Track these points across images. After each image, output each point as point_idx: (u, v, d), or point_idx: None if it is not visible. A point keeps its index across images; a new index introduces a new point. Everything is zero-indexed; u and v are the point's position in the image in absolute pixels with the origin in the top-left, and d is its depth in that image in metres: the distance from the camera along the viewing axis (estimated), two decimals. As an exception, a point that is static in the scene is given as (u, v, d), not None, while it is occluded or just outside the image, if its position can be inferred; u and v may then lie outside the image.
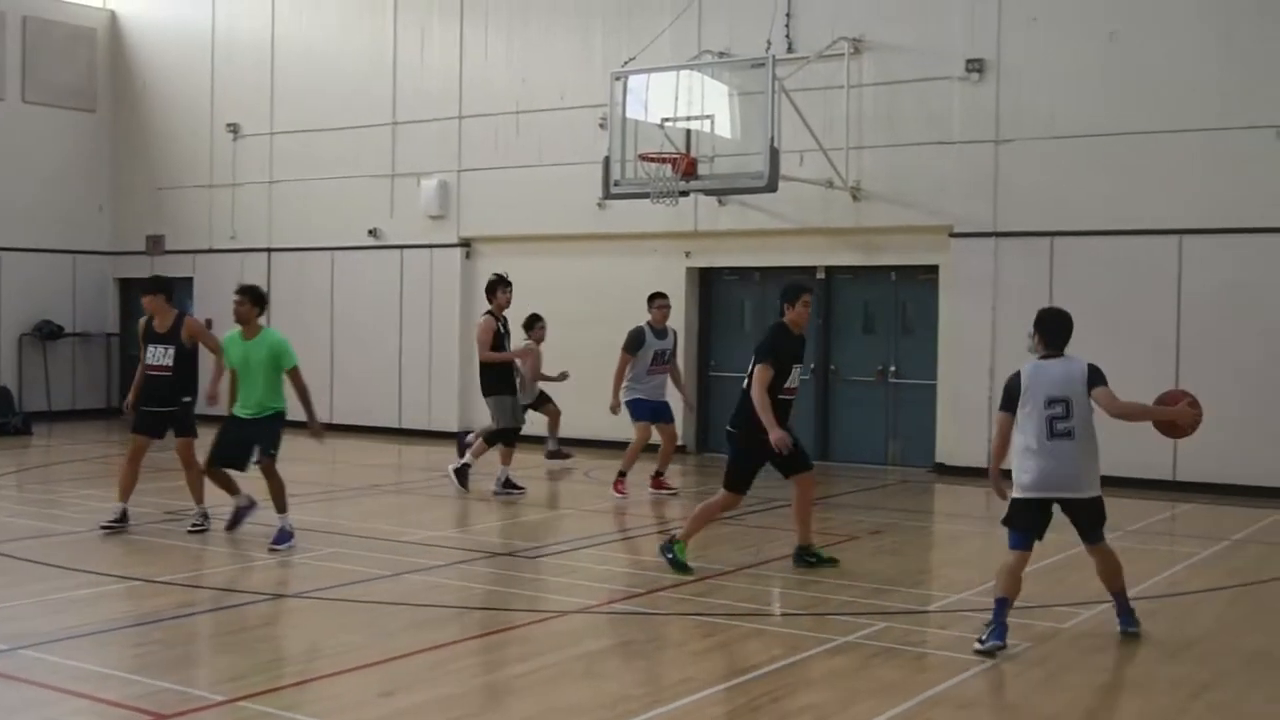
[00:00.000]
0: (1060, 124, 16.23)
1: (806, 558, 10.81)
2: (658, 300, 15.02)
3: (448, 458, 16.27)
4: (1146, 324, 15.71)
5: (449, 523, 13.80)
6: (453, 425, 20.39)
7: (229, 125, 23.26)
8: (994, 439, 8.65)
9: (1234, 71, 15.35)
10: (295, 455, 18.47)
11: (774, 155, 15.53)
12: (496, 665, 8.03)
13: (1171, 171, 15.63)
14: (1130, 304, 15.82)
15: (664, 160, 16.26)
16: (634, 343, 14.75)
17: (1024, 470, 8.31)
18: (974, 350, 16.66)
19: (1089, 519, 8.48)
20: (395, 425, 21.16)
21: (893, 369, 17.75)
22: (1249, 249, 15.28)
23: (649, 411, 14.79)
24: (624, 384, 14.72)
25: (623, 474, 14.80)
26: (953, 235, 16.91)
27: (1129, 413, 8.53)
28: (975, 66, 16.62)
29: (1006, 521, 8.42)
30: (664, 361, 14.86)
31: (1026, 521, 8.33)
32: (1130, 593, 8.75)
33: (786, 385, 10.43)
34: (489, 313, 14.64)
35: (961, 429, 16.76)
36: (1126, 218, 15.86)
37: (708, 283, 19.19)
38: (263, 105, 22.89)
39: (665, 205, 16.57)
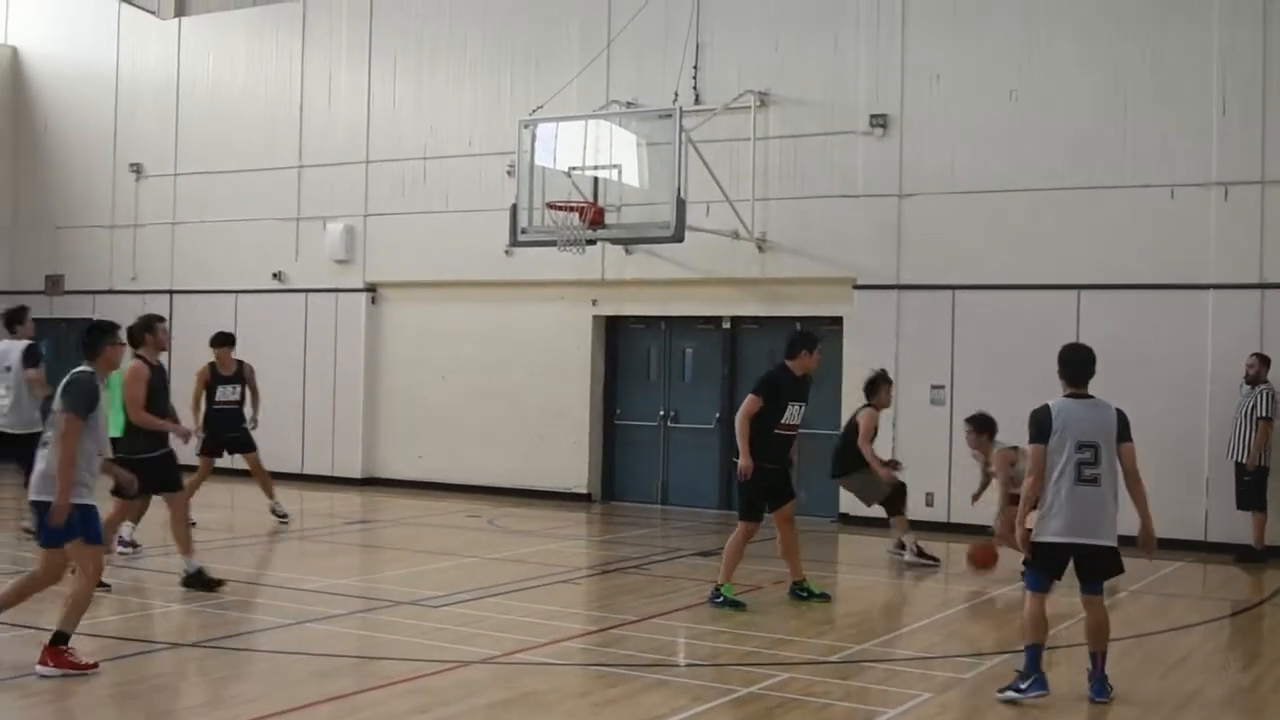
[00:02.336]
0: (962, 179, 16.53)
1: (799, 592, 11.53)
2: None
3: (349, 505, 16.11)
4: (1045, 376, 15.82)
5: (351, 571, 13.66)
6: (356, 471, 20.23)
7: (132, 165, 23.00)
8: (1030, 475, 8.37)
9: (1130, 131, 15.73)
10: (197, 501, 18.21)
11: (681, 205, 15.65)
12: (397, 716, 7.94)
13: (1070, 228, 15.96)
14: (1029, 357, 16.00)
15: (571, 209, 16.31)
16: None
17: (1053, 514, 8.22)
18: (877, 401, 16.80)
19: (1103, 568, 8.34)
20: (298, 471, 20.93)
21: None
22: (1146, 303, 15.61)
23: None
24: None
25: None
26: (856, 287, 17.12)
27: (1136, 482, 8.44)
28: (879, 122, 16.88)
29: (1029, 564, 8.44)
30: None
31: (1050, 566, 8.31)
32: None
33: (784, 421, 11.36)
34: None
35: (864, 479, 16.88)
36: (1026, 272, 16.15)
37: (614, 331, 19.24)
38: (167, 146, 22.66)
39: (572, 253, 16.61)
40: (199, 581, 11.33)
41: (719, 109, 17.40)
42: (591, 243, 16.65)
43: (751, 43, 17.75)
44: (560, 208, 16.36)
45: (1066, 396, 8.49)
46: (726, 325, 18.39)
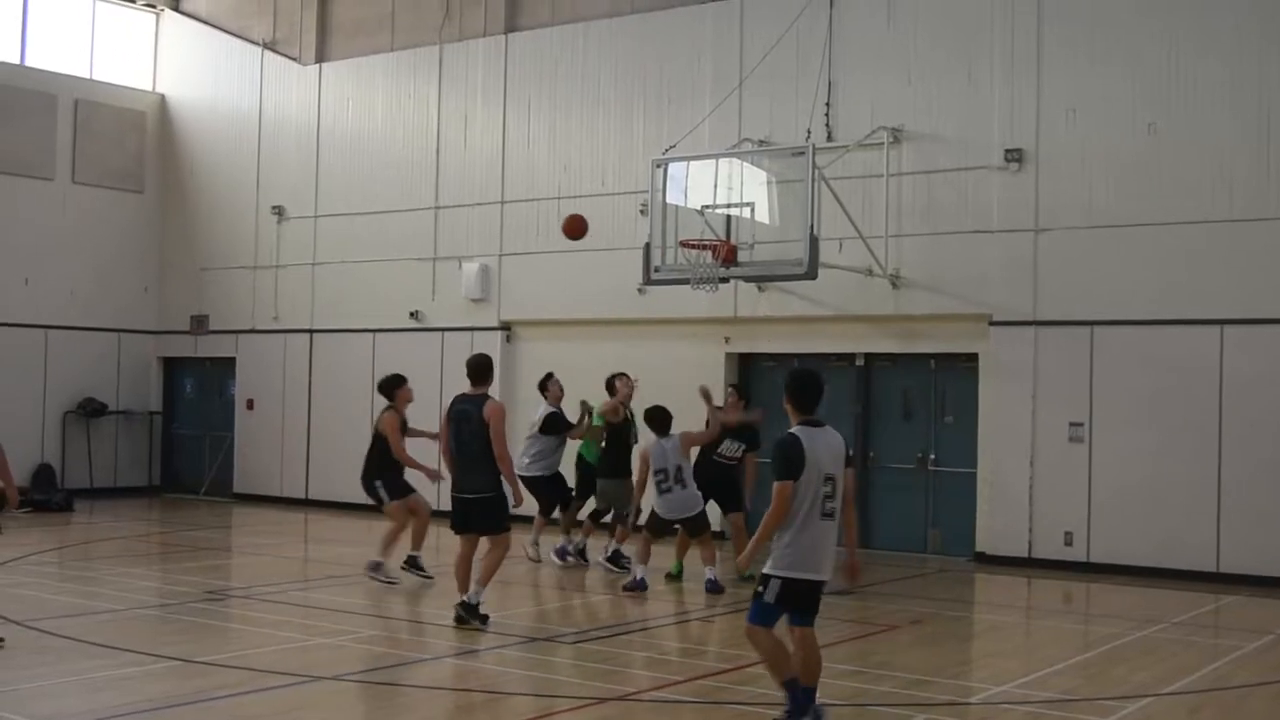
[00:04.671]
0: (1099, 214, 16.27)
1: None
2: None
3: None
4: (1188, 414, 15.64)
5: (490, 606, 13.77)
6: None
7: (274, 208, 23.56)
8: (775, 511, 7.72)
9: (1274, 162, 15.37)
10: (335, 537, 18.58)
11: (813, 243, 15.62)
12: (535, 752, 8.01)
13: (1212, 262, 15.62)
14: (1171, 394, 15.76)
15: (704, 247, 16.35)
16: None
17: (794, 549, 7.74)
18: (1014, 439, 16.60)
19: (817, 601, 7.92)
20: (435, 507, 21.11)
21: (932, 456, 17.70)
22: (1291, 340, 15.25)
23: None
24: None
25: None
26: (992, 324, 16.92)
27: (851, 508, 8.21)
28: (1014, 156, 16.70)
29: (761, 597, 7.87)
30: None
31: (787, 601, 7.83)
32: (1173, 687, 8.61)
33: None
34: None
35: (1002, 518, 16.68)
36: (1167, 308, 15.84)
37: (747, 368, 19.22)
38: (307, 188, 23.19)
39: (705, 291, 16.65)
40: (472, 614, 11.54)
41: (851, 146, 17.36)
42: (725, 280, 16.67)
43: (884, 79, 17.70)
44: (693, 246, 16.41)
45: (802, 424, 7.89)
46: (860, 362, 18.28)
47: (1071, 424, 16.31)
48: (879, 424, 18.26)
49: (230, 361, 24.22)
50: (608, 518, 15.63)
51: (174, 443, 25.28)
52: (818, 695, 7.98)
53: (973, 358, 17.26)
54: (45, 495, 21.84)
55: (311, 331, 22.98)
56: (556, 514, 15.91)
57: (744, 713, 8.82)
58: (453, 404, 11.76)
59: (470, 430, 11.46)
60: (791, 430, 7.85)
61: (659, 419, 14.34)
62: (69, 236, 23.68)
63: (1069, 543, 16.21)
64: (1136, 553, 15.79)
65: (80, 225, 23.89)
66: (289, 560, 14.62)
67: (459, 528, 11.69)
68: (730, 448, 15.09)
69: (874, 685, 9.70)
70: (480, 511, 11.52)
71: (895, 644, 11.41)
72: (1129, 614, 13.11)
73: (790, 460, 7.69)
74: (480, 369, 11.78)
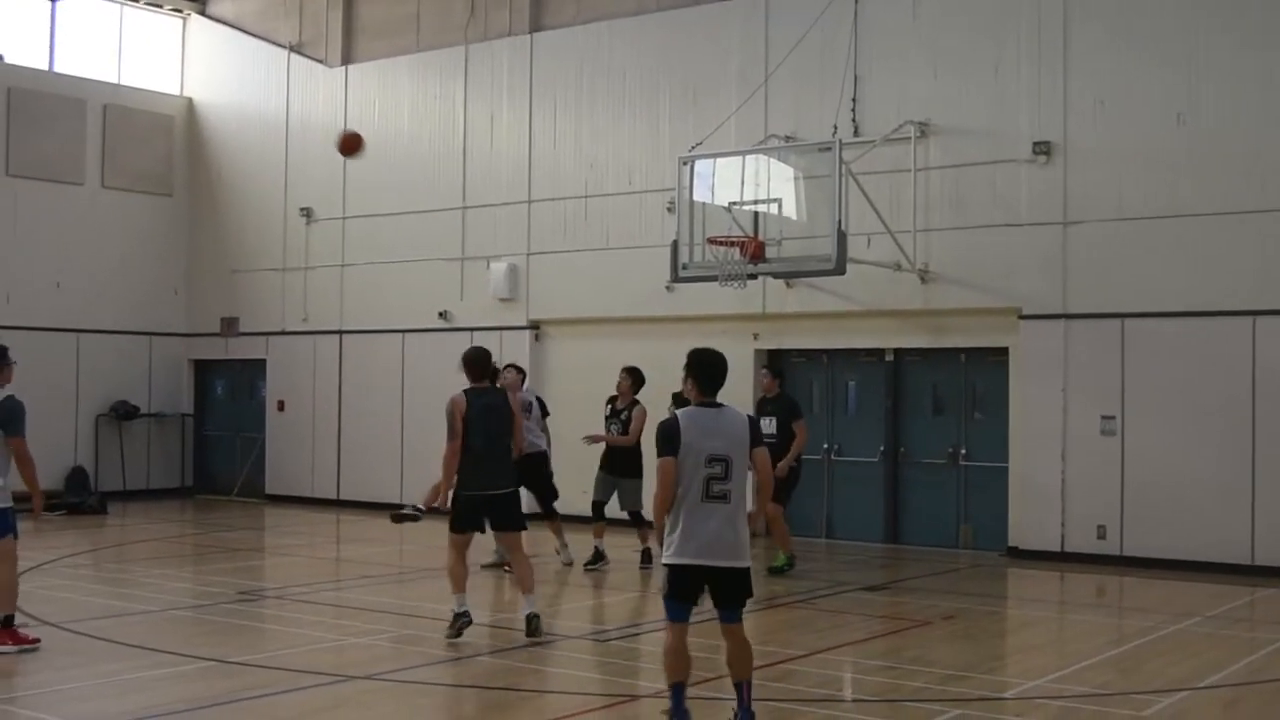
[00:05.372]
0: (1129, 205, 16.19)
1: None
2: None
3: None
4: (1220, 405, 15.55)
5: (520, 605, 13.79)
6: (524, 505, 20.40)
7: (302, 209, 23.65)
8: (659, 491, 7.61)
9: (1305, 152, 15.30)
10: (367, 537, 18.64)
11: (841, 238, 15.59)
12: (568, 750, 8.01)
13: (1243, 252, 15.52)
14: (1203, 385, 15.68)
15: (732, 243, 16.34)
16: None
17: (681, 535, 7.58)
18: (1046, 432, 16.53)
19: (735, 592, 7.72)
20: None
21: (963, 451, 17.64)
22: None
23: None
24: None
25: None
26: (1022, 317, 16.85)
27: (768, 485, 7.97)
28: (1042, 149, 16.63)
29: (666, 592, 7.74)
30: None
31: (684, 592, 7.67)
32: (1208, 681, 8.57)
33: None
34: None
35: (1034, 512, 16.61)
36: (1198, 299, 15.75)
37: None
38: (335, 190, 23.26)
39: (733, 288, 16.63)
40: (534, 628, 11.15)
41: (878, 140, 17.31)
42: (753, 277, 16.65)
43: (910, 73, 17.64)
44: (721, 243, 16.41)
45: (700, 405, 7.78)
46: (890, 357, 18.24)
47: (1103, 417, 16.23)
48: (909, 419, 18.21)
49: (260, 363, 24.32)
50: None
51: (205, 444, 25.40)
52: (751, 693, 7.79)
53: (1003, 351, 17.20)
54: (79, 498, 21.99)
55: (341, 333, 23.05)
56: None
57: (778, 710, 8.80)
58: (474, 398, 11.15)
59: (500, 424, 11.20)
60: (678, 412, 7.76)
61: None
62: (99, 240, 23.82)
63: (1101, 536, 16.14)
64: (1170, 546, 15.70)
65: (110, 229, 24.02)
66: (321, 560, 14.68)
67: (473, 527, 11.16)
68: (765, 424, 14.35)
69: (907, 681, 9.68)
70: (507, 508, 11.28)
71: (928, 639, 11.38)
72: (1163, 608, 13.04)
73: (665, 439, 7.59)
74: (489, 361, 11.45)
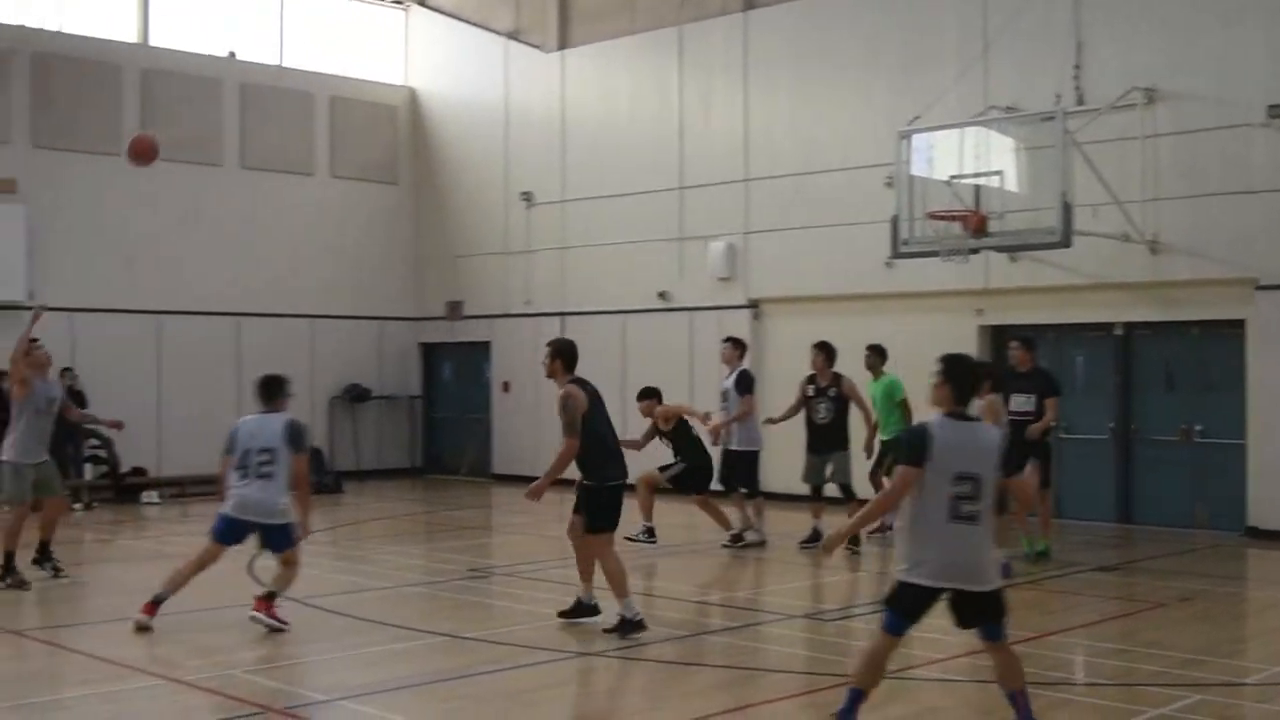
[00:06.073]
0: (1376, 168, 15.43)
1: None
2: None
3: (736, 519, 16.32)
4: None
5: (742, 583, 13.87)
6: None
7: (523, 194, 24.05)
8: (889, 499, 7.28)
9: None
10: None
11: (1066, 210, 15.22)
12: (796, 729, 8.02)
13: None
14: None
15: (953, 218, 16.10)
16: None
17: (920, 553, 7.08)
18: (1286, 407, 15.90)
19: (987, 613, 7.24)
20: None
21: (1198, 428, 17.04)
22: None
23: None
24: None
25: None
26: (1260, 288, 16.20)
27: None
28: (1277, 112, 15.93)
29: (890, 604, 7.26)
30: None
31: (910, 610, 7.19)
32: None
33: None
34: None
35: (1275, 490, 15.99)
36: None
37: (1000, 340, 18.81)
38: (554, 174, 23.60)
39: (955, 263, 16.38)
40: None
41: (1104, 108, 16.81)
42: (974, 251, 16.39)
43: (1136, 37, 17.09)
44: (941, 217, 16.18)
45: (948, 416, 7.21)
46: (1119, 332, 17.73)
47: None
48: (1140, 395, 17.67)
49: (485, 345, 24.86)
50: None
51: (434, 425, 26.09)
52: (1028, 700, 7.45)
53: (1238, 324, 16.56)
54: (316, 477, 22.66)
55: (563, 314, 23.39)
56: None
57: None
58: (584, 387, 10.77)
59: (606, 412, 10.80)
60: (928, 422, 7.27)
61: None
62: (330, 229, 24.63)
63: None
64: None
65: (340, 218, 24.82)
66: (548, 539, 14.92)
67: (617, 520, 10.71)
68: (1020, 402, 13.89)
69: (1142, 664, 9.44)
70: (615, 504, 10.72)
71: (1164, 622, 11.07)
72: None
73: (911, 448, 7.10)
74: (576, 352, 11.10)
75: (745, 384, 15.61)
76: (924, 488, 7.01)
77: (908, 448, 7.13)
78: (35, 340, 12.84)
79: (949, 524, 6.98)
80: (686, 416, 15.72)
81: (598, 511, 10.57)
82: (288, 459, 10.60)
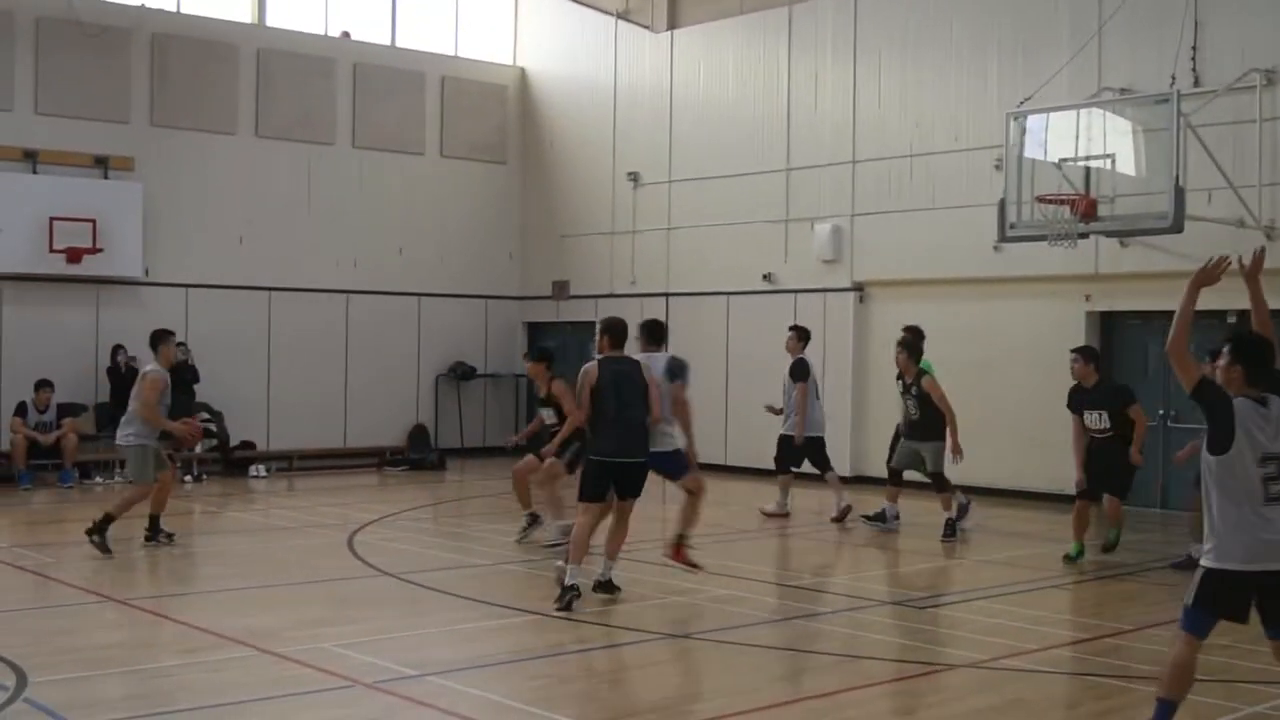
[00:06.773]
0: None
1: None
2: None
3: (833, 500, 16.24)
4: None
5: (837, 568, 13.80)
6: (845, 469, 20.33)
7: (629, 174, 24.07)
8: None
9: None
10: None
11: (1179, 194, 14.91)
12: (880, 716, 7.97)
13: None
14: None
15: (1062, 201, 15.84)
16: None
17: (1228, 538, 6.69)
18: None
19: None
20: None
21: (1318, 419, 16.58)
22: None
23: None
24: None
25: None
26: (1383, 275, 15.73)
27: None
28: (1405, 94, 15.47)
29: (1194, 602, 6.86)
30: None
31: (1222, 605, 6.83)
32: None
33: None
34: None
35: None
36: None
37: (1109, 328, 18.49)
38: (661, 154, 23.58)
39: (1064, 247, 16.11)
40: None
41: (1220, 90, 16.41)
42: (1084, 236, 16.11)
43: (1255, 17, 16.64)
44: (1051, 201, 15.93)
45: (1243, 396, 6.85)
46: (1232, 319, 17.30)
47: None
48: (1254, 384, 17.23)
49: (590, 325, 24.86)
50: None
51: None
52: None
53: (1360, 313, 16.09)
54: (420, 454, 23.09)
55: (667, 295, 23.38)
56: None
57: (1103, 685, 8.55)
58: (606, 366, 10.88)
59: (634, 392, 10.87)
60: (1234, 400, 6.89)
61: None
62: (439, 208, 24.84)
63: None
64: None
65: (449, 196, 25.02)
66: (644, 520, 14.93)
67: (601, 494, 10.94)
68: (1093, 420, 13.36)
69: (1243, 661, 9.18)
70: (640, 478, 11.01)
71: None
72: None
73: (1225, 427, 6.78)
74: (626, 331, 11.24)
75: (798, 372, 16.08)
76: (1231, 471, 6.69)
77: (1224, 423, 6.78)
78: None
79: (1266, 506, 6.64)
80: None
81: (582, 480, 11.15)
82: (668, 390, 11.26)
